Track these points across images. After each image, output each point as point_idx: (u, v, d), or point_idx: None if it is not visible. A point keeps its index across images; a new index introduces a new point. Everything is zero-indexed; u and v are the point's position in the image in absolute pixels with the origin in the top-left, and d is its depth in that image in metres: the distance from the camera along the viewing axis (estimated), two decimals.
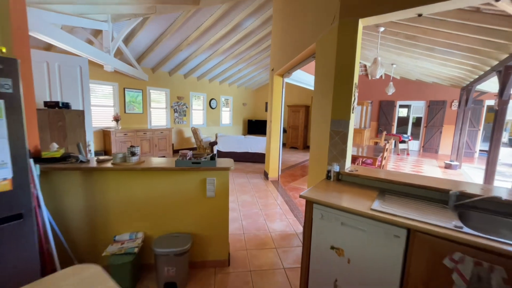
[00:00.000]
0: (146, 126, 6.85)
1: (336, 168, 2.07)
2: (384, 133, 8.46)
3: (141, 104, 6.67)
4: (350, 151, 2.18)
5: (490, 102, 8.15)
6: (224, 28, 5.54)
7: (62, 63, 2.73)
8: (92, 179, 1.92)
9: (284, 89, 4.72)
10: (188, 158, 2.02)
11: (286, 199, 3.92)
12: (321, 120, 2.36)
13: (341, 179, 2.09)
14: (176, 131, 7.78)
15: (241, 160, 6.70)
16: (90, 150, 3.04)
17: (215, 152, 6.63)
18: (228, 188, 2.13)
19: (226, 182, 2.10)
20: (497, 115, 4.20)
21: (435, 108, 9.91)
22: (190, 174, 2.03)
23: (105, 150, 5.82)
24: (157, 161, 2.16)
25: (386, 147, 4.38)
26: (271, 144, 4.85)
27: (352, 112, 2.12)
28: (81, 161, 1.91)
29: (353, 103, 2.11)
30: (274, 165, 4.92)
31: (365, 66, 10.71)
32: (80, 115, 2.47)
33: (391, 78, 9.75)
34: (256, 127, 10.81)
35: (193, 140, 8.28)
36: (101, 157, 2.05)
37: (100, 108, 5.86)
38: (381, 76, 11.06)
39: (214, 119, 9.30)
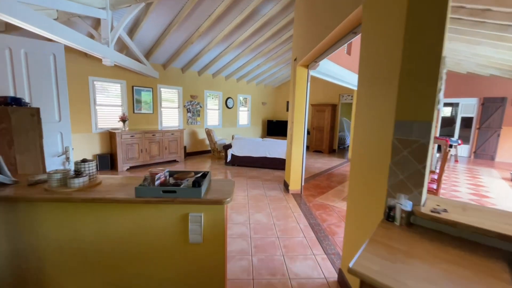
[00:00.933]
0: (156, 127, 6.36)
1: (406, 205, 1.21)
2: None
3: (151, 104, 6.19)
4: (428, 174, 1.29)
5: None
6: (239, 15, 4.80)
7: (30, 50, 2.19)
8: (16, 212, 1.26)
9: (309, 83, 3.86)
10: (158, 182, 1.28)
11: (311, 221, 3.06)
12: (372, 121, 1.51)
13: (416, 224, 1.23)
14: (189, 132, 7.22)
15: (258, 166, 5.92)
16: (68, 159, 2.47)
17: (229, 156, 5.93)
18: (224, 229, 1.36)
19: (221, 220, 1.33)
20: None
21: (491, 107, 8.31)
22: (163, 207, 1.29)
23: (111, 153, 5.38)
24: (118, 182, 1.45)
25: (447, 155, 3.32)
26: (293, 150, 4.01)
27: (437, 109, 1.24)
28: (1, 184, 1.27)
29: (439, 93, 1.23)
30: (296, 175, 4.07)
31: None
32: (34, 114, 1.88)
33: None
34: (276, 128, 9.97)
35: (207, 142, 7.68)
36: (37, 177, 1.39)
37: (107, 108, 5.44)
38: None
39: (231, 120, 8.64)
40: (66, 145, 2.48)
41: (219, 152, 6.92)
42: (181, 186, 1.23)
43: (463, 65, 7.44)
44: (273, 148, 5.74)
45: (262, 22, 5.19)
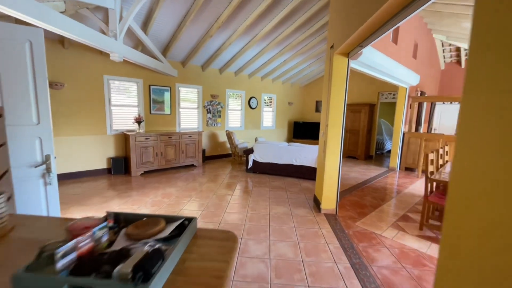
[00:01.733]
0: (174, 129, 5.96)
1: None
2: None
3: (169, 104, 5.80)
4: None
5: None
6: (263, 1, 4.14)
7: None
8: None
9: (348, 76, 3.04)
10: (64, 261, 0.63)
11: (354, 260, 2.26)
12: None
13: None
14: (209, 134, 6.74)
15: (283, 174, 5.19)
16: (49, 170, 2.01)
17: (250, 162, 5.28)
18: None
19: None
20: None
21: None
22: None
23: (125, 156, 5.07)
24: (33, 236, 0.85)
25: None
26: (327, 159, 3.22)
27: None
28: None
29: None
30: (329, 190, 3.27)
31: (457, 50, 7.93)
32: None
33: None
34: (304, 130, 9.11)
35: (228, 145, 7.13)
36: None
37: (123, 109, 5.14)
38: None
39: (254, 121, 8.01)
40: (46, 153, 2.03)
41: (240, 157, 6.32)
42: (114, 271, 0.58)
43: None
44: (301, 154, 4.96)
45: (290, 9, 4.46)
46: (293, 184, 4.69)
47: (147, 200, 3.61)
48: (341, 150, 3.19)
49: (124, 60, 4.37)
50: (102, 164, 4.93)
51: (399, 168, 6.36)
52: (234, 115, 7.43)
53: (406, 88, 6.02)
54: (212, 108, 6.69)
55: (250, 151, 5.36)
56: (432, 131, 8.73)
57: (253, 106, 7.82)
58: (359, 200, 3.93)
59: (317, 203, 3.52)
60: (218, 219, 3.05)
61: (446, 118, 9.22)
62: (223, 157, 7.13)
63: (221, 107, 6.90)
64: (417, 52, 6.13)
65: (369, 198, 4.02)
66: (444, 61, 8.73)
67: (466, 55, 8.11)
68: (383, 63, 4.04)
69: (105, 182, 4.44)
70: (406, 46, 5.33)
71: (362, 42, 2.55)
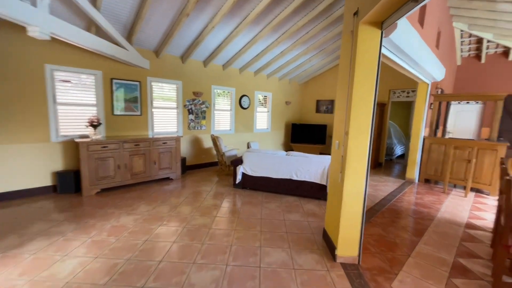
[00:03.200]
0: (146, 134, 4.84)
1: None
2: None
3: (138, 103, 4.68)
4: None
5: None
6: None
7: None
8: None
9: (380, 60, 1.97)
10: None
11: None
12: None
13: None
14: (192, 139, 5.63)
15: (280, 192, 4.11)
16: None
17: (238, 176, 4.18)
18: None
19: None
20: None
21: None
22: None
23: (75, 170, 3.93)
24: None
25: None
26: (347, 182, 2.14)
27: None
28: None
29: None
30: (349, 229, 2.20)
31: (478, 42, 6.95)
32: None
33: None
34: (303, 133, 8.05)
35: (214, 152, 6.03)
36: None
37: (74, 108, 4.01)
38: (507, 55, 7.11)
39: (246, 123, 6.92)
40: None
41: (228, 166, 5.22)
42: None
43: None
44: (302, 167, 3.88)
45: None
46: (292, 206, 3.61)
47: (85, 240, 2.49)
48: (368, 169, 2.12)
49: (73, 44, 3.26)
50: (45, 181, 3.78)
51: (418, 180, 5.33)
52: (222, 116, 6.33)
53: (428, 84, 5.00)
54: (195, 108, 5.59)
55: (238, 161, 4.27)
56: (446, 135, 7.76)
57: (245, 106, 6.73)
58: (384, 233, 2.87)
59: (328, 243, 2.45)
60: (178, 281, 1.95)
61: (462, 119, 8.27)
62: (210, 166, 6.02)
63: (206, 106, 5.80)
64: (439, 41, 5.11)
65: (396, 230, 2.96)
66: (461, 55, 7.77)
67: (487, 47, 7.15)
68: (419, 46, 2.99)
69: (39, 207, 3.29)
70: (432, 31, 4.30)
71: (401, 7, 1.48)
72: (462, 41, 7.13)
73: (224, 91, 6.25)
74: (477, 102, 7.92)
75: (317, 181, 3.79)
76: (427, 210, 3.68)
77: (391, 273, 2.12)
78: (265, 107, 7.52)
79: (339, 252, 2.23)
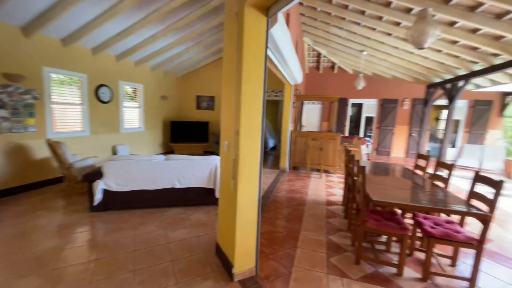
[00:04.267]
0: None
1: None
2: (356, 137, 6.79)
3: None
4: None
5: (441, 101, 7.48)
6: None
7: None
8: None
9: (267, 46, 1.81)
10: None
11: None
12: None
13: None
14: (8, 148, 3.62)
15: (160, 205, 3.38)
16: None
17: (98, 195, 3.04)
18: None
19: None
20: None
21: (387, 107, 9.14)
22: None
23: None
24: None
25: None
26: (240, 189, 1.87)
27: None
28: None
29: None
30: (245, 240, 1.96)
31: (318, 56, 8.98)
32: None
33: (361, 69, 8.26)
34: (184, 131, 7.39)
35: (55, 163, 4.21)
36: None
37: None
38: (333, 68, 9.65)
39: (109, 121, 5.39)
40: None
41: (77, 183, 3.76)
42: None
43: (376, 66, 7.57)
44: (187, 172, 3.35)
45: None
46: (177, 220, 3.02)
47: None
48: (260, 172, 1.95)
49: None
50: None
51: (289, 168, 6.18)
52: (68, 113, 4.54)
53: (292, 86, 5.81)
54: (10, 100, 3.61)
55: (95, 175, 3.10)
56: (302, 129, 9.61)
57: (105, 99, 5.20)
58: (273, 228, 2.92)
59: (223, 260, 2.12)
60: None
61: (310, 116, 10.58)
62: (49, 184, 4.17)
63: (35, 97, 3.91)
64: (297, 50, 6.06)
65: (282, 223, 3.11)
66: (308, 65, 9.82)
67: (323, 61, 9.40)
68: (290, 48, 3.21)
69: None
70: (293, 39, 4.94)
71: None
72: (308, 53, 8.99)
73: (68, 78, 4.48)
74: (319, 102, 10.39)
75: (204, 185, 3.40)
76: (300, 195, 4.22)
77: (286, 273, 2.09)
78: (135, 101, 6.20)
79: (236, 269, 1.95)
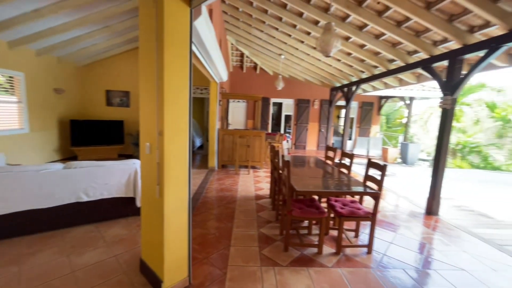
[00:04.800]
0: None
1: None
2: (279, 134, 7.36)
3: None
4: None
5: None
6: None
7: None
8: None
9: (191, 38, 1.70)
10: None
11: None
12: None
13: None
14: None
15: (61, 226, 2.70)
16: None
17: None
18: None
19: None
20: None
21: (302, 106, 10.36)
22: None
23: None
24: None
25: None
26: (167, 196, 1.69)
27: None
28: None
29: None
30: (176, 250, 1.81)
31: (241, 55, 9.21)
32: None
33: (280, 71, 8.88)
34: (91, 133, 6.18)
35: None
36: None
37: None
38: (256, 69, 10.14)
39: None
40: None
41: None
42: None
43: (291, 69, 8.40)
44: (97, 180, 2.80)
45: None
46: (86, 241, 2.49)
47: None
48: (190, 174, 1.82)
49: None
50: None
51: (217, 167, 6.13)
52: None
53: (217, 84, 5.75)
54: None
55: None
56: (229, 127, 9.74)
57: None
58: (204, 231, 2.82)
59: (150, 277, 1.89)
60: None
61: (236, 114, 10.81)
62: None
63: None
64: (221, 46, 6.03)
65: (215, 223, 3.05)
66: (232, 64, 9.96)
67: (247, 61, 9.74)
68: (214, 45, 3.12)
69: None
70: (217, 36, 4.87)
71: None
72: (232, 52, 9.12)
73: None
74: (244, 101, 10.75)
75: (122, 194, 2.94)
76: (230, 193, 4.24)
77: (221, 275, 2.06)
78: (12, 94, 4.71)
79: (166, 283, 1.77)
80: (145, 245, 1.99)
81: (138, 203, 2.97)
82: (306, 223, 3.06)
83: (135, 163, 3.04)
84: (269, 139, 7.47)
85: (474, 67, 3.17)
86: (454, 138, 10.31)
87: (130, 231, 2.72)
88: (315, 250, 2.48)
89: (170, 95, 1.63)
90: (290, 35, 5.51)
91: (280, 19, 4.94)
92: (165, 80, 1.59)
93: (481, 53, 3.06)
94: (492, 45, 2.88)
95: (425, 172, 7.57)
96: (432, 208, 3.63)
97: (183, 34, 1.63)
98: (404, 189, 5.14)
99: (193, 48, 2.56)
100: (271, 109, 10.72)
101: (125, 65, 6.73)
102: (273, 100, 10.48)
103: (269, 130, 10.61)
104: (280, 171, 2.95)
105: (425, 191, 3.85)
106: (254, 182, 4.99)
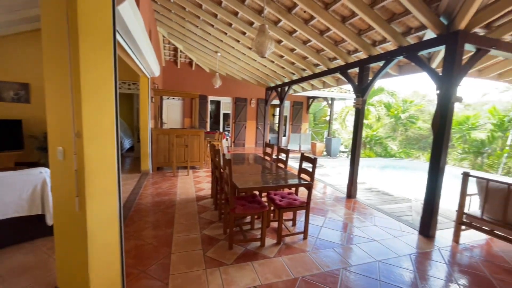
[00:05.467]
0: None
1: None
2: (218, 132, 7.25)
3: None
4: None
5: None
6: None
7: None
8: None
9: (115, 23, 1.48)
10: None
11: None
12: None
13: None
14: None
15: None
16: None
17: None
18: None
19: None
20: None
21: (240, 105, 10.54)
22: None
23: None
24: None
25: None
26: (90, 210, 1.44)
27: None
28: None
29: None
30: (106, 267, 1.57)
31: (175, 50, 8.64)
32: None
33: (217, 68, 8.67)
34: None
35: None
36: None
37: None
38: (191, 65, 9.71)
39: None
40: None
41: None
42: None
43: (228, 67, 8.41)
44: None
45: None
46: None
47: None
48: (119, 182, 1.60)
49: None
50: None
51: (152, 170, 5.62)
52: None
53: (149, 79, 5.24)
54: None
55: None
56: (163, 126, 9.07)
57: None
58: (140, 242, 2.55)
59: None
60: None
61: (171, 112, 10.13)
62: None
63: None
64: (151, 37, 5.50)
65: (152, 232, 2.79)
66: (165, 58, 9.24)
67: (181, 56, 9.21)
68: (143, 34, 2.79)
69: None
70: (146, 25, 4.41)
71: None
72: (164, 46, 8.45)
73: None
74: (179, 98, 10.15)
75: (24, 213, 2.35)
76: (168, 197, 3.96)
77: (163, 286, 1.90)
78: None
79: None
80: (62, 270, 1.65)
81: (50, 221, 2.43)
82: (248, 218, 3.15)
83: (43, 172, 2.47)
84: (208, 138, 7.31)
85: (376, 74, 3.89)
86: (364, 132, 12.46)
87: (38, 257, 2.20)
88: (258, 243, 2.58)
89: (89, 90, 1.38)
90: (226, 33, 5.50)
91: (215, 15, 4.86)
92: (82, 73, 1.34)
93: (381, 63, 3.77)
94: (388, 57, 3.60)
95: (345, 162, 8.88)
96: (351, 192, 4.30)
97: (103, 19, 1.40)
98: (330, 178, 5.90)
99: (118, 37, 2.26)
100: (209, 107, 10.50)
101: (22, 50, 5.32)
102: (211, 98, 10.28)
103: (208, 129, 10.39)
104: (222, 170, 2.93)
105: (345, 178, 4.51)
106: (195, 183, 4.81)
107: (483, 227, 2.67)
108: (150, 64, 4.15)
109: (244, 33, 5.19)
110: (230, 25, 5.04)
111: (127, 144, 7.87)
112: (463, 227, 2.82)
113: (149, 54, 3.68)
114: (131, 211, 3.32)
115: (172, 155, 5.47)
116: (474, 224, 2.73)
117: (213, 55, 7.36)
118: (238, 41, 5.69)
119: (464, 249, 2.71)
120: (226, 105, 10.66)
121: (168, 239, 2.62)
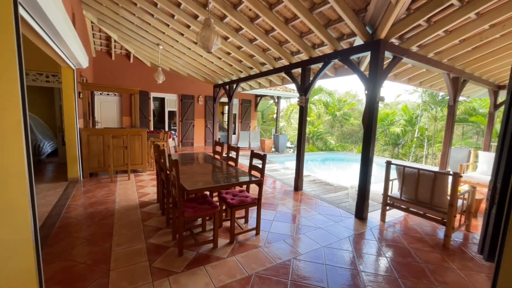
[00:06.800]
0: None
1: None
2: (163, 131, 6.72)
3: None
4: None
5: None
6: None
7: None
8: None
9: (19, 8, 1.19)
10: None
11: None
12: None
13: None
14: None
15: None
16: None
17: None
18: None
19: None
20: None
21: (187, 102, 10.05)
22: None
23: None
24: None
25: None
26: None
27: None
28: None
29: None
30: None
31: (107, 39, 7.60)
32: None
33: (159, 63, 7.95)
34: None
35: None
36: None
37: None
38: (129, 58, 8.74)
39: None
40: None
41: None
42: None
43: (167, 62, 7.87)
44: None
45: None
46: None
47: None
48: (32, 195, 1.30)
49: None
50: None
51: (83, 177, 4.86)
52: None
53: (74, 70, 4.47)
54: None
55: None
56: (96, 125, 8.00)
57: None
58: (69, 263, 2.16)
59: None
60: None
61: (106, 109, 8.95)
62: None
63: None
64: (75, 25, 4.70)
65: (82, 249, 2.39)
66: (95, 48, 8.06)
67: (115, 47, 8.18)
68: (63, 18, 2.31)
69: None
70: (67, 6, 3.72)
71: None
72: (94, 34, 7.35)
73: None
74: (115, 94, 9.04)
75: None
76: (105, 206, 3.49)
77: None
78: None
79: None
80: None
81: None
82: (199, 221, 3.02)
83: None
84: (152, 137, 6.73)
85: (316, 75, 4.21)
86: (307, 129, 13.48)
87: None
88: (211, 245, 2.50)
89: None
90: (168, 25, 5.11)
91: (155, 4, 4.45)
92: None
93: (320, 65, 4.10)
94: (325, 59, 3.93)
95: (291, 157, 9.43)
96: (298, 185, 4.58)
97: None
98: (279, 172, 6.17)
99: (25, 14, 1.84)
100: (152, 105, 9.68)
101: None
102: (153, 94, 9.48)
103: (151, 128, 9.58)
104: (168, 172, 2.72)
105: (292, 172, 4.78)
106: (137, 188, 4.36)
107: (402, 206, 3.20)
108: (74, 52, 3.53)
109: (188, 27, 4.92)
110: (173, 16, 4.71)
111: (47, 148, 6.59)
112: (387, 207, 3.32)
113: (71, 40, 3.12)
114: (55, 228, 2.79)
115: (109, 158, 4.82)
116: (396, 204, 3.25)
117: (154, 47, 6.77)
118: (183, 35, 5.37)
119: (388, 226, 3.19)
120: (172, 102, 10.00)
121: (106, 254, 2.30)
